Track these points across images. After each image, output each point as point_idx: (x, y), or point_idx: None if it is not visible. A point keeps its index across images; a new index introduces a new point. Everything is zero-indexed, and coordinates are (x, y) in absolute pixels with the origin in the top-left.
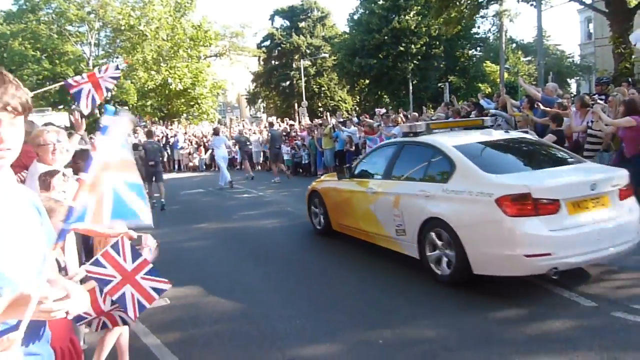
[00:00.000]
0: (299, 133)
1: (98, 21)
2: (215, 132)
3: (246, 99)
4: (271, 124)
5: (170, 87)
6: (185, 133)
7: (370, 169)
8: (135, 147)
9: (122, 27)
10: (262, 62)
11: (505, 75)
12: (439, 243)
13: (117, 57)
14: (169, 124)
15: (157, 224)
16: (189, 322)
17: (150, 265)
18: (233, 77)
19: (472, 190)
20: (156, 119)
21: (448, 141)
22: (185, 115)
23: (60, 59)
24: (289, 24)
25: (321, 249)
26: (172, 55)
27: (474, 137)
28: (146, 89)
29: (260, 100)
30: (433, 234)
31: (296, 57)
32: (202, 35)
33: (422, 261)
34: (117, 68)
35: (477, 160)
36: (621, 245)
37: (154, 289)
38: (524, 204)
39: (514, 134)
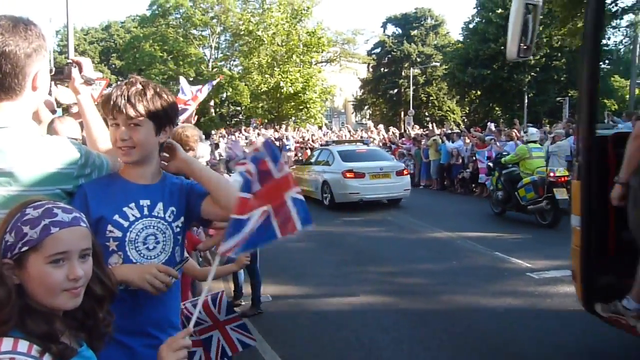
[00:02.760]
0: (399, 144)
1: (219, 26)
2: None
3: (353, 105)
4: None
5: (282, 90)
6: (294, 137)
7: (311, 160)
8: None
9: (241, 32)
10: (371, 69)
11: (637, 91)
12: (326, 193)
13: (234, 60)
14: (279, 126)
15: None
16: (289, 321)
17: (242, 321)
18: (341, 82)
19: (336, 169)
20: (266, 120)
21: (336, 148)
22: (293, 118)
23: (183, 60)
24: (400, 31)
25: (440, 272)
26: (286, 60)
27: (349, 147)
28: (259, 91)
29: (366, 107)
30: (325, 188)
31: (406, 65)
32: (315, 41)
33: (323, 200)
34: (210, 85)
35: (343, 156)
36: (393, 194)
37: (240, 341)
38: (350, 174)
39: (370, 147)
